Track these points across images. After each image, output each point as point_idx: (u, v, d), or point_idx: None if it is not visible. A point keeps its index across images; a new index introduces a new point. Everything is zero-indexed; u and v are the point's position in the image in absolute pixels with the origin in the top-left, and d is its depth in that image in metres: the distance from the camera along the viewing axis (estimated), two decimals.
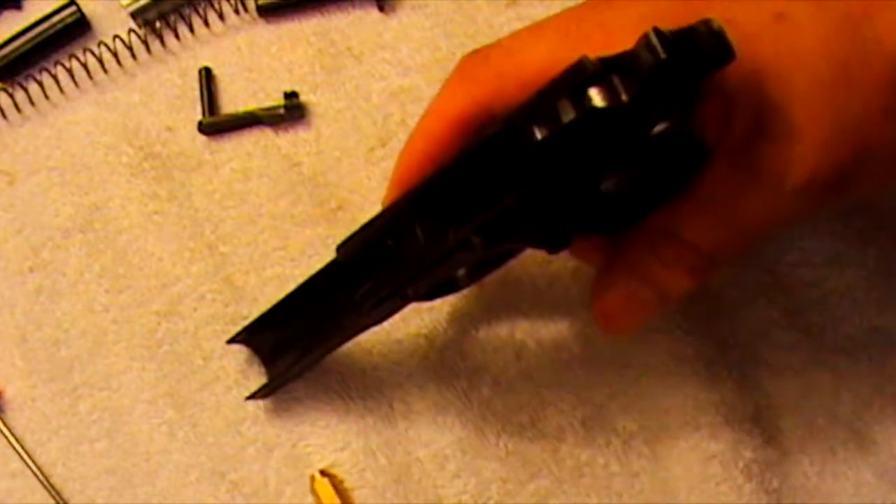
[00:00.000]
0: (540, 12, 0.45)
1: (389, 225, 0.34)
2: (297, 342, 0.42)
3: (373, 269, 0.35)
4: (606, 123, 0.28)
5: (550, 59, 0.32)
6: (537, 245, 0.34)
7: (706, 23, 0.27)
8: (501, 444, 0.42)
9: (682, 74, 0.27)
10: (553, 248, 0.34)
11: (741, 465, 0.41)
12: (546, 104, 0.28)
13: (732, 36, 0.27)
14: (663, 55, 0.26)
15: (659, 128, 0.29)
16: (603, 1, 0.34)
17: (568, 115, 0.28)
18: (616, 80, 0.27)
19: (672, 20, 0.28)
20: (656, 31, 0.26)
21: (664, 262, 0.34)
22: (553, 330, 0.43)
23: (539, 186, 0.30)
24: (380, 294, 0.36)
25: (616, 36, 0.31)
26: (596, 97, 0.27)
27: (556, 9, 0.46)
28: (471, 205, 0.30)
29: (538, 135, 0.28)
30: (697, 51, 0.27)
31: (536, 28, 0.34)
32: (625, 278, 0.35)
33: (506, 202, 0.30)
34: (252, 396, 0.43)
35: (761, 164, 0.31)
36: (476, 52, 0.35)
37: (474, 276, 0.38)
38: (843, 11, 0.30)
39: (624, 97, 0.27)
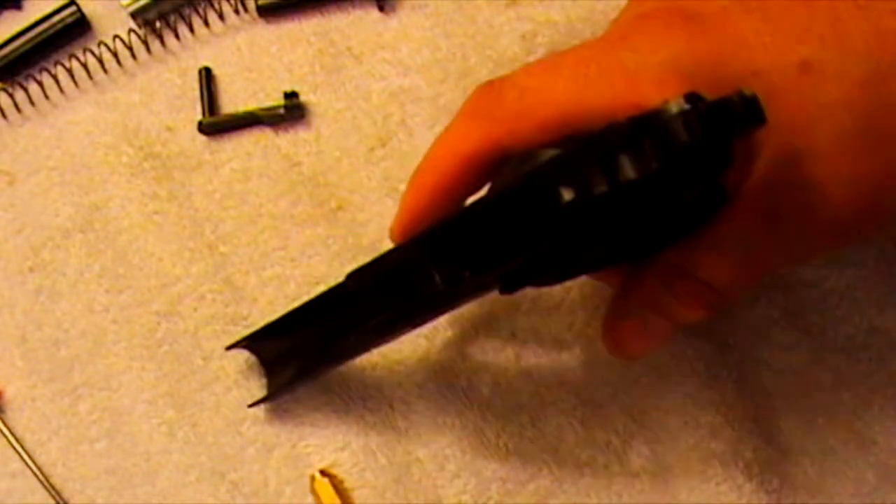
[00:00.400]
0: (540, 12, 0.45)
1: (404, 265, 0.33)
2: (301, 356, 0.41)
3: (384, 303, 0.35)
4: (636, 190, 0.27)
5: (568, 100, 0.31)
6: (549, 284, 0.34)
7: (739, 93, 0.27)
8: (501, 444, 0.42)
9: (714, 145, 0.27)
10: (560, 282, 0.34)
11: (741, 464, 0.41)
12: (574, 166, 0.27)
13: (758, 89, 0.27)
14: (700, 133, 0.26)
15: (690, 192, 0.28)
16: (618, 40, 0.33)
17: (599, 186, 0.27)
18: (647, 147, 0.26)
19: (696, 67, 0.27)
20: (694, 105, 0.26)
21: (679, 298, 0.33)
22: (553, 330, 0.43)
23: (562, 244, 0.29)
24: (391, 326, 0.36)
25: (639, 81, 0.30)
26: (627, 167, 0.26)
27: (555, 9, 0.46)
28: (491, 254, 0.30)
29: (566, 196, 0.27)
30: (730, 121, 0.26)
31: (551, 66, 0.33)
32: (639, 309, 0.35)
33: (527, 256, 0.29)
34: (254, 405, 0.43)
35: (781, 212, 0.31)
36: (490, 86, 0.34)
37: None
38: (872, 66, 0.29)
39: (655, 165, 0.26)
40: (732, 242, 0.32)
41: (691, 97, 0.26)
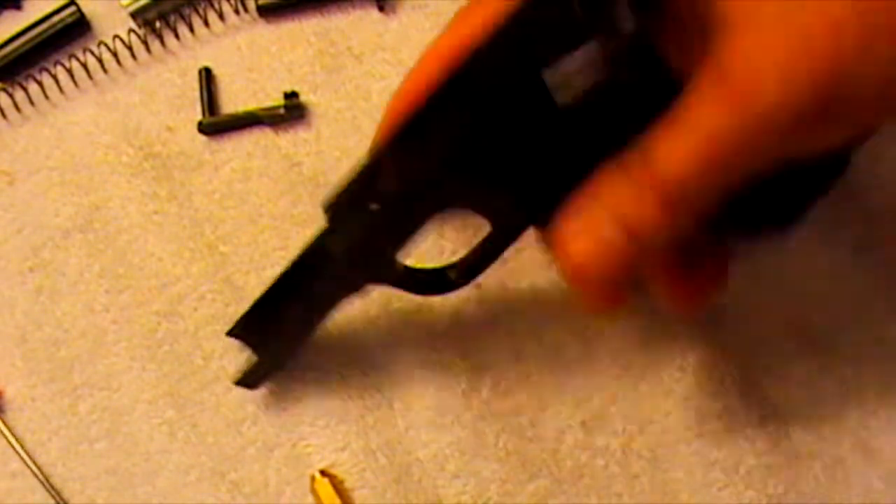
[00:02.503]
0: None
1: (368, 168, 0.35)
2: (284, 324, 0.41)
3: (354, 224, 0.36)
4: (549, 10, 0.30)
5: None
6: (517, 207, 0.34)
7: None
8: (501, 445, 0.42)
9: None
10: (535, 217, 0.34)
11: (742, 471, 0.41)
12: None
13: None
14: None
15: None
16: None
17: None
18: None
19: None
20: None
21: (633, 181, 0.31)
22: (553, 331, 0.43)
23: (489, 91, 0.32)
24: (363, 252, 0.36)
25: None
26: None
27: None
28: (439, 141, 0.33)
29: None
30: None
31: None
32: (589, 203, 0.32)
33: (463, 122, 0.32)
34: (240, 382, 0.42)
35: (724, 83, 0.29)
36: None
37: (468, 274, 0.38)
38: None
39: None
40: (685, 125, 0.30)
41: None
